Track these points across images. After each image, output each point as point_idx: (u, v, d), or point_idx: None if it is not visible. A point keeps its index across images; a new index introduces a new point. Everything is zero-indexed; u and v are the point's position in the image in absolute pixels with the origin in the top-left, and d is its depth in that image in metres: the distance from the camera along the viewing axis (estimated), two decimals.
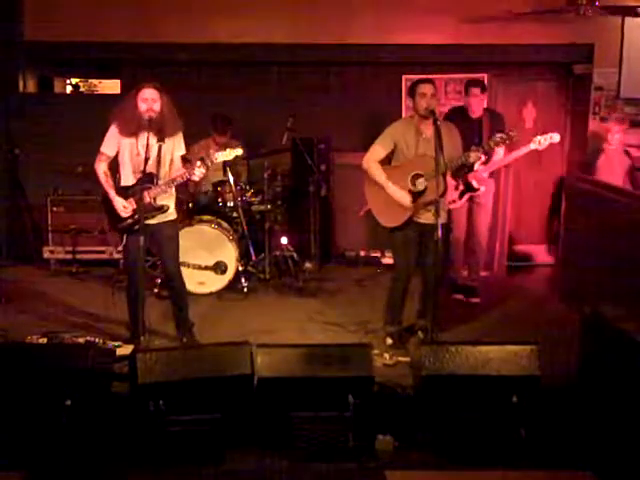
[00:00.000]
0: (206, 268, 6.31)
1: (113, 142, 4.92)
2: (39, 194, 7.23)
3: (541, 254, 7.83)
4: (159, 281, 6.25)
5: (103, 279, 6.71)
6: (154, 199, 4.85)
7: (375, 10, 7.14)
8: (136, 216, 4.75)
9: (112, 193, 4.89)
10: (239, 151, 5.06)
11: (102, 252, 7.05)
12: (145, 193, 4.76)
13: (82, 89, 8.78)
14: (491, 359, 4.06)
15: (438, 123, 4.74)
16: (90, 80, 8.80)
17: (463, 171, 5.22)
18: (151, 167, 4.77)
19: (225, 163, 6.39)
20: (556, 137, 5.71)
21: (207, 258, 6.30)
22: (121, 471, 3.82)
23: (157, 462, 3.84)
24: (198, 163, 4.79)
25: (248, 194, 6.63)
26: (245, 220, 6.48)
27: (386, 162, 5.14)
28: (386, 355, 4.85)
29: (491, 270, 7.08)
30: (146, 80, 4.92)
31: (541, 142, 5.68)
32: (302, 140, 6.90)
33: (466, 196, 5.92)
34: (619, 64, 7.10)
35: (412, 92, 5.05)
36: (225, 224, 6.46)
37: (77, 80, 8.74)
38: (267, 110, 7.31)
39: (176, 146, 4.97)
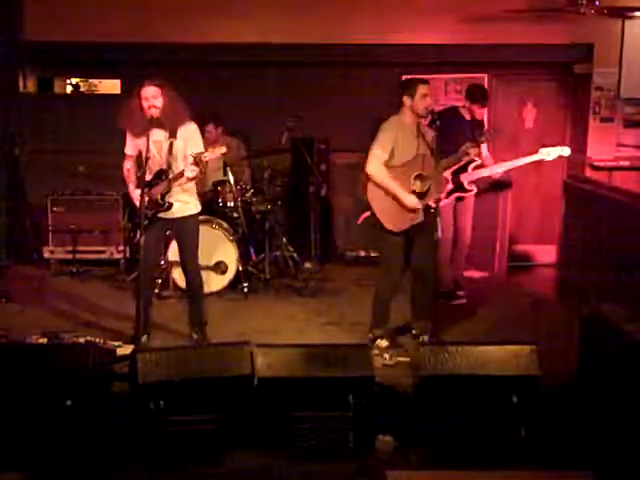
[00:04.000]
0: (206, 268, 6.29)
1: (130, 142, 5.02)
2: (39, 194, 7.23)
3: (541, 254, 7.83)
4: (159, 281, 6.25)
5: (103, 279, 6.72)
6: (161, 196, 4.90)
7: (375, 10, 7.14)
8: (148, 212, 4.86)
9: (131, 187, 5.03)
10: (223, 149, 5.05)
11: (102, 252, 7.05)
12: (152, 190, 4.84)
13: (82, 89, 8.76)
14: (491, 359, 4.06)
15: (437, 123, 4.78)
16: (90, 80, 8.78)
17: (462, 166, 5.28)
18: (162, 164, 4.86)
19: (225, 163, 6.40)
20: (566, 151, 5.60)
21: (207, 258, 6.29)
22: (121, 471, 3.82)
23: (157, 462, 3.84)
24: (190, 160, 4.85)
25: (248, 194, 6.64)
26: (245, 220, 6.48)
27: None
28: (386, 355, 4.85)
29: (491, 270, 7.08)
30: (147, 78, 4.91)
31: (550, 153, 5.61)
32: (302, 140, 6.90)
33: (453, 196, 5.88)
34: (619, 64, 7.11)
35: (410, 92, 5.05)
36: (225, 224, 6.46)
37: (77, 80, 8.72)
38: (267, 110, 7.31)
39: (190, 143, 4.95)
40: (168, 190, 4.90)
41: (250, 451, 3.96)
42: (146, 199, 4.85)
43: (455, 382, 4.02)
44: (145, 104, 4.81)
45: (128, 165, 5.07)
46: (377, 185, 5.05)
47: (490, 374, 4.02)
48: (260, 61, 7.38)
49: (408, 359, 4.69)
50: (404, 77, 7.38)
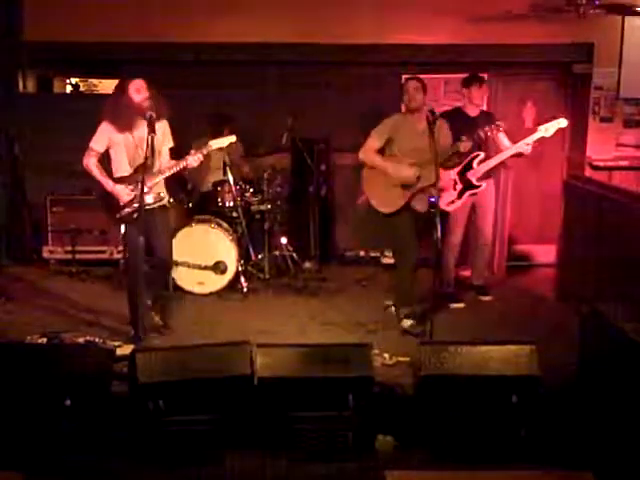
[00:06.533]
0: (206, 268, 6.30)
1: (104, 138, 5.06)
2: (39, 194, 7.23)
3: (541, 254, 7.83)
4: None
5: (103, 279, 6.72)
6: (150, 188, 5.03)
7: (375, 10, 7.13)
8: (134, 205, 4.93)
9: (110, 183, 5.04)
10: (233, 138, 5.35)
11: (102, 252, 7.05)
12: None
13: (82, 89, 8.77)
14: (491, 359, 4.06)
15: (436, 114, 5.00)
16: (90, 80, 8.79)
17: (454, 161, 5.42)
18: (143, 159, 4.94)
19: (224, 163, 6.40)
20: (563, 122, 5.67)
21: (207, 258, 6.30)
22: (121, 471, 3.82)
23: (157, 462, 3.84)
24: (193, 151, 5.06)
25: (248, 194, 6.63)
26: (245, 220, 6.48)
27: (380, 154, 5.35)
28: (386, 355, 4.85)
29: (491, 270, 7.08)
30: (131, 75, 5.07)
31: (548, 129, 5.66)
32: (302, 140, 6.90)
33: (466, 194, 5.89)
34: (619, 64, 7.10)
35: (403, 90, 5.40)
36: (225, 224, 6.46)
37: (77, 80, 8.73)
38: (267, 110, 7.31)
39: (165, 138, 5.14)
40: (157, 182, 5.07)
41: (250, 451, 3.96)
42: (133, 194, 4.99)
43: (455, 382, 4.02)
44: (138, 97, 4.93)
45: (94, 161, 5.06)
46: (369, 170, 5.35)
47: (490, 374, 4.02)
48: (260, 61, 7.38)
49: (408, 359, 4.68)
50: (405, 77, 7.45)
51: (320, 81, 7.59)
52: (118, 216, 5.07)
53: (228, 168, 6.39)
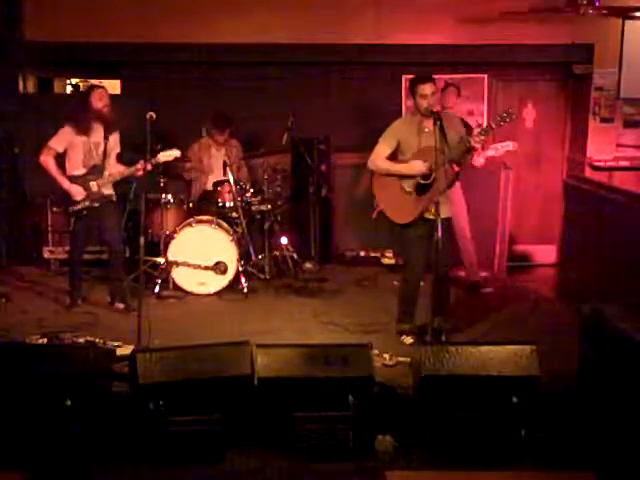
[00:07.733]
0: (206, 268, 6.30)
1: (64, 140, 5.66)
2: (39, 194, 7.22)
3: (541, 254, 7.83)
4: (159, 281, 6.25)
5: (103, 279, 6.70)
6: (100, 187, 5.66)
7: (375, 10, 7.15)
8: (86, 202, 5.63)
9: (66, 181, 5.65)
10: (177, 152, 5.77)
11: (102, 252, 7.02)
12: (93, 183, 5.63)
13: (82, 89, 8.77)
14: (491, 359, 4.06)
15: (439, 123, 4.76)
16: (90, 80, 8.79)
17: (467, 158, 5.27)
18: (97, 161, 5.66)
19: (225, 163, 6.40)
20: (514, 145, 5.84)
21: (207, 258, 6.30)
22: (121, 471, 3.82)
23: (157, 462, 3.84)
24: (141, 161, 5.47)
25: (248, 194, 6.63)
26: (245, 220, 6.48)
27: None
28: (386, 355, 4.85)
29: (491, 270, 7.08)
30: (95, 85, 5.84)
31: (498, 149, 5.82)
32: (302, 140, 6.90)
33: None
34: (619, 64, 7.11)
35: (413, 91, 5.04)
36: (225, 224, 6.46)
37: (77, 80, 8.73)
38: (267, 110, 7.31)
39: (116, 145, 5.78)
40: (106, 183, 5.69)
41: (250, 451, 3.96)
42: (84, 192, 5.62)
43: (455, 382, 4.02)
44: (100, 104, 5.58)
45: (52, 159, 5.65)
46: (381, 179, 5.14)
47: (490, 374, 4.02)
48: (260, 61, 7.38)
49: (408, 359, 4.68)
50: (405, 77, 7.46)
51: (320, 81, 7.60)
52: (70, 210, 5.67)
53: (228, 168, 6.39)
